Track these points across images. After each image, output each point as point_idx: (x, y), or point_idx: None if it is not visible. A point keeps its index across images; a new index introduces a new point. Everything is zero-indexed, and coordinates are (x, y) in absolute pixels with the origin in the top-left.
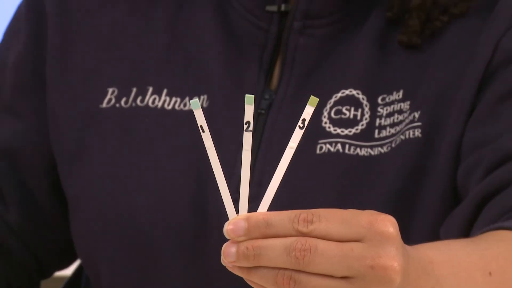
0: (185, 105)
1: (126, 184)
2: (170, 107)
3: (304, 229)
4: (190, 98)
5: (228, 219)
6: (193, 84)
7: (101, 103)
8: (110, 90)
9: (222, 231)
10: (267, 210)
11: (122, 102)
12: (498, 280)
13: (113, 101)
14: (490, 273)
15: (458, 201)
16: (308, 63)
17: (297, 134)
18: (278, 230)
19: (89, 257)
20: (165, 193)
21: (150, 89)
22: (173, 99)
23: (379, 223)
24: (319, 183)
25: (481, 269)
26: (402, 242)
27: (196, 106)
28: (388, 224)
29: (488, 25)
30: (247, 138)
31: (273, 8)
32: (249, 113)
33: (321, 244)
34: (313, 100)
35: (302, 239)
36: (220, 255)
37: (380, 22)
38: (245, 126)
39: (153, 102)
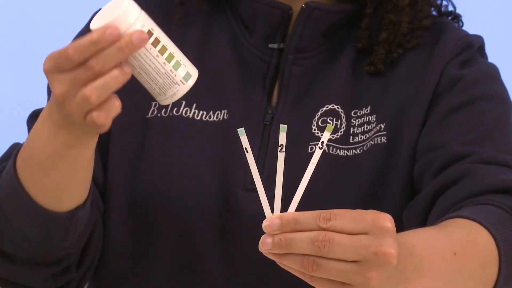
0: (210, 117)
1: (166, 176)
2: (198, 117)
3: (324, 225)
4: (214, 112)
5: (262, 217)
6: (216, 101)
7: (147, 113)
8: (153, 103)
9: (242, 214)
10: (295, 210)
11: (162, 112)
12: (461, 258)
13: (155, 112)
14: (455, 253)
15: (415, 193)
16: (300, 86)
17: (318, 153)
18: (304, 226)
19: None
20: (197, 183)
21: (183, 103)
22: (201, 112)
23: (380, 220)
24: (312, 177)
25: (449, 250)
26: (397, 235)
27: (242, 133)
28: (387, 221)
29: (434, 58)
30: (281, 157)
31: (274, 45)
32: (282, 138)
33: (337, 236)
34: (329, 127)
35: (322, 233)
36: (242, 234)
37: (352, 53)
38: (279, 148)
39: (186, 113)
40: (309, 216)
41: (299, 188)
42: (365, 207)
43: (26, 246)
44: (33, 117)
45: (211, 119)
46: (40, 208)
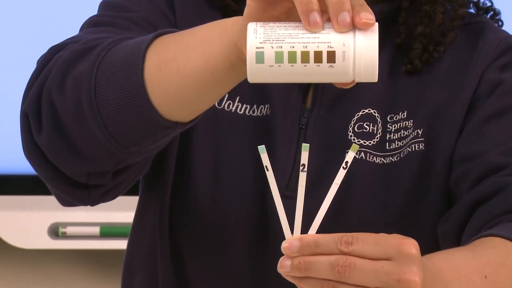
0: (253, 111)
1: (208, 174)
2: (241, 112)
3: (345, 249)
4: (258, 106)
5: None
6: (258, 94)
7: None
8: None
9: (275, 221)
10: (316, 233)
11: None
12: (493, 282)
13: None
14: (485, 276)
15: (452, 203)
16: (336, 88)
17: (341, 173)
18: (324, 249)
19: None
20: (236, 182)
21: (226, 96)
22: (244, 106)
23: (405, 246)
24: (349, 184)
25: (479, 273)
26: (422, 259)
27: (263, 151)
28: (412, 247)
29: (473, 60)
30: (303, 177)
31: None
32: (305, 158)
33: (359, 261)
34: (354, 147)
35: (343, 257)
36: (277, 240)
37: (390, 51)
38: (301, 167)
39: (228, 106)
40: (330, 239)
41: (321, 210)
42: (401, 217)
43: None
44: None
45: (254, 114)
46: (148, 99)
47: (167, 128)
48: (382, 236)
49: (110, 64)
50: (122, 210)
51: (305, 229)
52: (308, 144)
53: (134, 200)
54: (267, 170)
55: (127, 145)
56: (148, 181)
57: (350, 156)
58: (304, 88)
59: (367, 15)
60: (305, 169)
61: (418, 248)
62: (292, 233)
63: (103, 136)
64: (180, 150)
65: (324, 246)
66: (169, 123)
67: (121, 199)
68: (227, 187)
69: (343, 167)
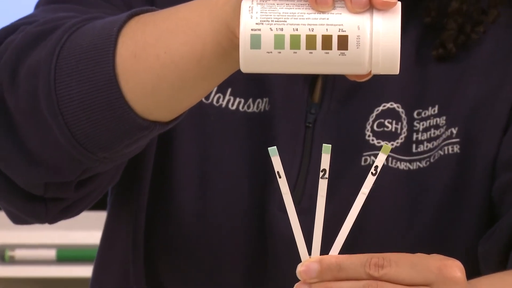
0: (249, 106)
1: (192, 185)
2: (234, 107)
3: (375, 274)
4: (254, 100)
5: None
6: (255, 87)
7: None
8: None
9: (279, 237)
10: (339, 253)
11: None
12: None
13: None
14: None
15: (495, 217)
16: (349, 79)
17: (370, 180)
18: (349, 274)
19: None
20: (227, 195)
21: (215, 88)
22: (237, 100)
23: (447, 269)
24: (367, 196)
25: None
26: (467, 284)
27: (274, 153)
28: (456, 270)
29: None
30: (323, 185)
31: None
32: (325, 162)
33: None
34: (386, 148)
35: (373, 283)
36: (278, 265)
37: (417, 32)
38: (321, 174)
39: (218, 101)
40: (356, 261)
41: (346, 224)
42: (431, 236)
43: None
44: None
45: (249, 110)
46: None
47: (144, 129)
48: (419, 257)
49: (73, 50)
50: (85, 229)
51: (323, 248)
52: (330, 146)
53: (101, 217)
54: (279, 177)
55: (95, 150)
56: (118, 194)
57: (380, 159)
58: (311, 78)
59: None
60: (326, 175)
61: (464, 271)
62: (309, 254)
63: (65, 139)
64: (158, 155)
65: (349, 270)
66: (146, 123)
67: (84, 216)
68: (216, 200)
69: (372, 173)
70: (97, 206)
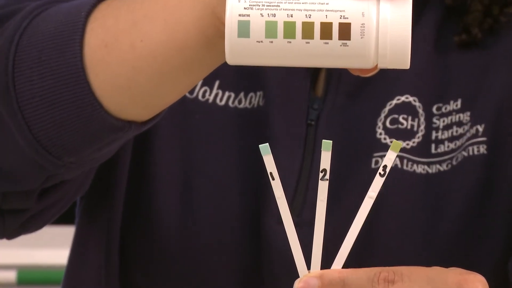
0: (240, 101)
1: (175, 193)
2: (222, 102)
3: None
4: (246, 94)
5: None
6: (247, 79)
7: None
8: None
9: (276, 253)
10: (342, 266)
11: None
12: None
13: None
14: None
15: None
16: None
17: (378, 182)
18: None
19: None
20: (215, 205)
21: (201, 81)
22: (226, 94)
23: (468, 284)
24: (379, 203)
25: None
26: None
27: (266, 151)
28: (478, 286)
29: None
30: (323, 188)
31: None
32: (325, 160)
33: None
34: (396, 145)
35: None
36: (275, 283)
37: (436, 16)
38: (320, 174)
39: (204, 95)
40: (362, 275)
41: (350, 233)
42: (452, 249)
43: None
44: None
45: (241, 105)
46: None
47: (117, 129)
48: (436, 271)
49: (35, 38)
50: (50, 247)
51: (324, 263)
52: (331, 141)
53: (68, 232)
54: (273, 179)
55: (60, 154)
56: (88, 204)
57: (390, 157)
58: (313, 68)
59: None
60: (327, 176)
61: (487, 286)
62: (308, 268)
63: (26, 141)
64: (134, 160)
65: (354, 286)
66: (119, 122)
67: (48, 231)
68: (202, 211)
69: (379, 173)
70: (64, 219)
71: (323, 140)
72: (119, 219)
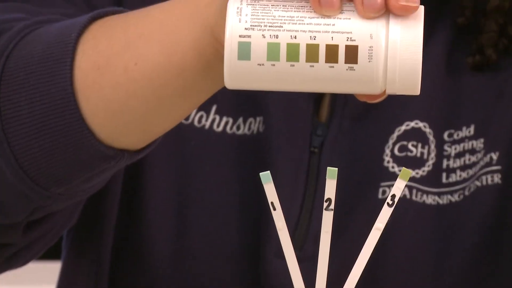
0: (238, 127)
1: (169, 225)
2: (220, 128)
3: None
4: (245, 120)
5: None
6: (246, 104)
7: None
8: None
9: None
10: None
11: None
12: None
13: None
14: None
15: None
16: None
17: (385, 213)
18: None
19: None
20: (212, 238)
21: None
22: (224, 120)
23: None
24: (386, 236)
25: None
26: None
27: (267, 180)
28: None
29: None
30: (327, 218)
31: None
32: (330, 189)
33: None
34: (405, 173)
35: None
36: None
37: (447, 36)
38: (325, 204)
39: (200, 121)
40: None
41: (355, 268)
42: (466, 285)
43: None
44: None
45: (239, 131)
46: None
47: (109, 158)
48: None
49: (23, 61)
50: (36, 284)
51: None
52: (336, 169)
53: (54, 268)
54: (274, 209)
55: (48, 185)
56: (77, 238)
57: (398, 186)
58: (316, 93)
59: None
60: (331, 206)
61: None
62: None
63: (11, 171)
64: (126, 190)
65: None
66: (111, 151)
67: (34, 267)
68: (198, 244)
69: (388, 203)
70: (50, 254)
71: (328, 167)
72: (109, 252)
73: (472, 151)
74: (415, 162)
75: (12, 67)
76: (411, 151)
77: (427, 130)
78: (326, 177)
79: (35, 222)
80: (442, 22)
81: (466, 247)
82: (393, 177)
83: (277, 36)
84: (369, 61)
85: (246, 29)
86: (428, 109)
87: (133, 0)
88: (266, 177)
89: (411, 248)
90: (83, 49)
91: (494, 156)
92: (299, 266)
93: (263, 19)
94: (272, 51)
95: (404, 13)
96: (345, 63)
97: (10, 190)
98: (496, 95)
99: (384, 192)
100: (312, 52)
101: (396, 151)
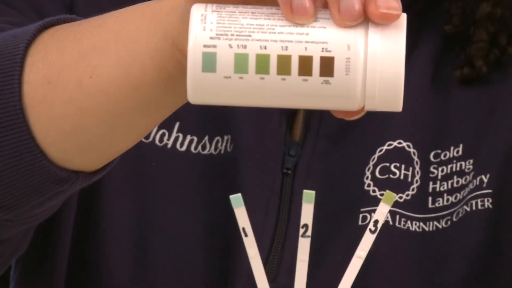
0: (204, 147)
1: (128, 256)
2: (183, 148)
3: None
4: (211, 139)
5: None
6: (212, 121)
7: None
8: None
9: None
10: None
11: None
12: None
13: None
14: None
15: None
16: None
17: (368, 240)
18: None
19: None
20: (175, 270)
21: None
22: (188, 138)
23: None
24: (368, 265)
25: None
26: None
27: (238, 203)
28: None
29: None
30: (304, 246)
31: None
32: (307, 214)
33: None
34: (389, 197)
35: None
36: None
37: (433, 46)
38: (301, 231)
39: (162, 139)
40: None
41: None
42: None
43: None
44: None
45: (205, 151)
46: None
47: (62, 181)
48: None
49: None
50: None
51: None
52: (314, 192)
53: None
54: (246, 236)
55: None
56: (26, 268)
57: (382, 211)
58: (289, 109)
59: (389, 1)
60: (308, 233)
61: None
62: None
63: None
64: (80, 216)
65: None
66: (64, 173)
67: None
68: (160, 275)
69: (370, 229)
70: None
71: (304, 190)
72: (62, 285)
73: (461, 173)
74: (398, 186)
75: None
76: (394, 173)
77: (411, 150)
78: (303, 201)
79: None
80: (428, 31)
81: (454, 277)
82: (374, 201)
83: (245, 46)
84: (346, 74)
85: (211, 38)
86: (412, 127)
87: (86, 8)
88: (236, 200)
89: (395, 279)
90: (33, 61)
91: (485, 179)
92: None
93: (230, 27)
94: (240, 63)
95: (385, 21)
96: (320, 76)
97: None
98: (486, 111)
99: (364, 218)
100: (283, 64)
101: (377, 174)
